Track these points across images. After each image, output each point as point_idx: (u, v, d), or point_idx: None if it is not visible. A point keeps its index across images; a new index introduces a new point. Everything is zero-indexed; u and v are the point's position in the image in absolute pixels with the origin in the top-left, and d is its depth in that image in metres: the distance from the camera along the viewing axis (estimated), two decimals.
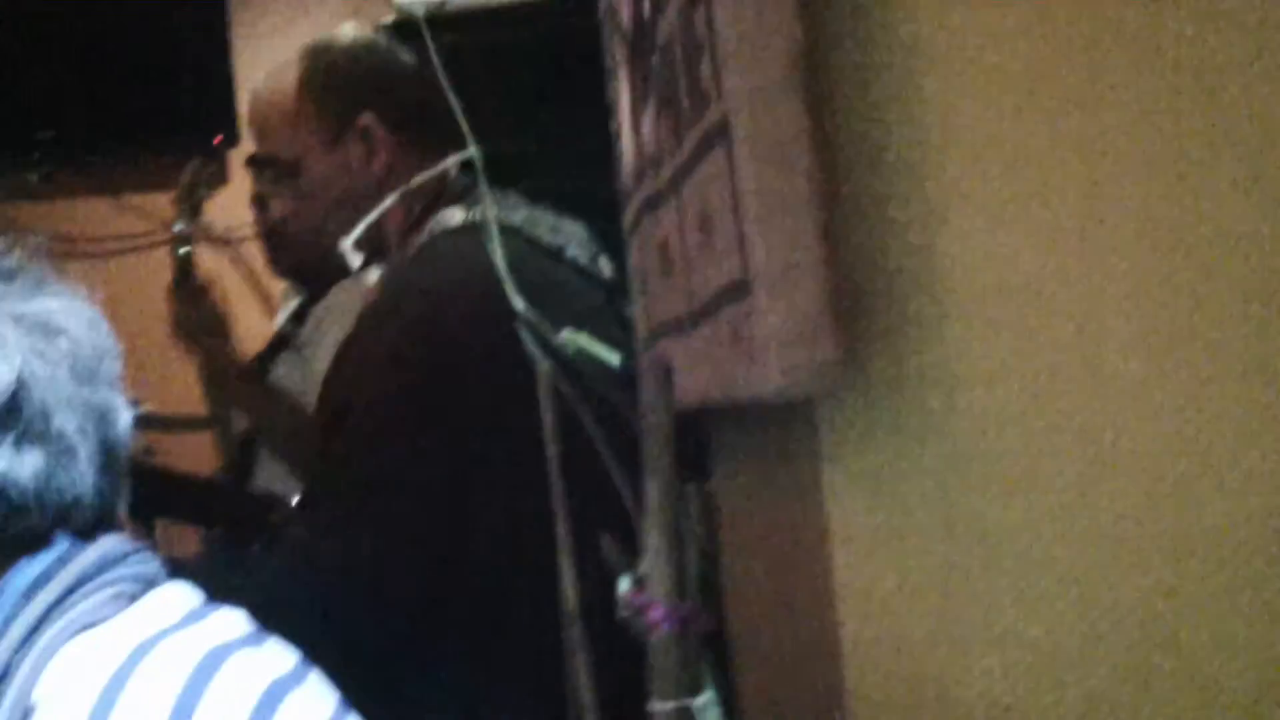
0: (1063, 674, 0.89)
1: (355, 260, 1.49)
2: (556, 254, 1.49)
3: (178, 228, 2.07)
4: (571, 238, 1.49)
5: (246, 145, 4.61)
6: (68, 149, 3.98)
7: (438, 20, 2.35)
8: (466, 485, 1.29)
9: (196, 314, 1.84)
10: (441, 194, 1.44)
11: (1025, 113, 0.93)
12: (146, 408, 2.96)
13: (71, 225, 3.80)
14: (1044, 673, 0.89)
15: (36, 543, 0.76)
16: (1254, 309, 0.90)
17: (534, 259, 1.43)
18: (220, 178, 4.76)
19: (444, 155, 1.39)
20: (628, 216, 1.33)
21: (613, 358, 0.98)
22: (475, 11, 2.56)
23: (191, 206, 2.07)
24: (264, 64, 4.66)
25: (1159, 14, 0.92)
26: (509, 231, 1.40)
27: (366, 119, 1.48)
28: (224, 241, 4.14)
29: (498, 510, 1.31)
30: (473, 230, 1.35)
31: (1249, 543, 0.89)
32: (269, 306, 3.99)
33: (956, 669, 0.90)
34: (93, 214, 4.05)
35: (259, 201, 1.71)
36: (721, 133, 0.95)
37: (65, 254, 3.69)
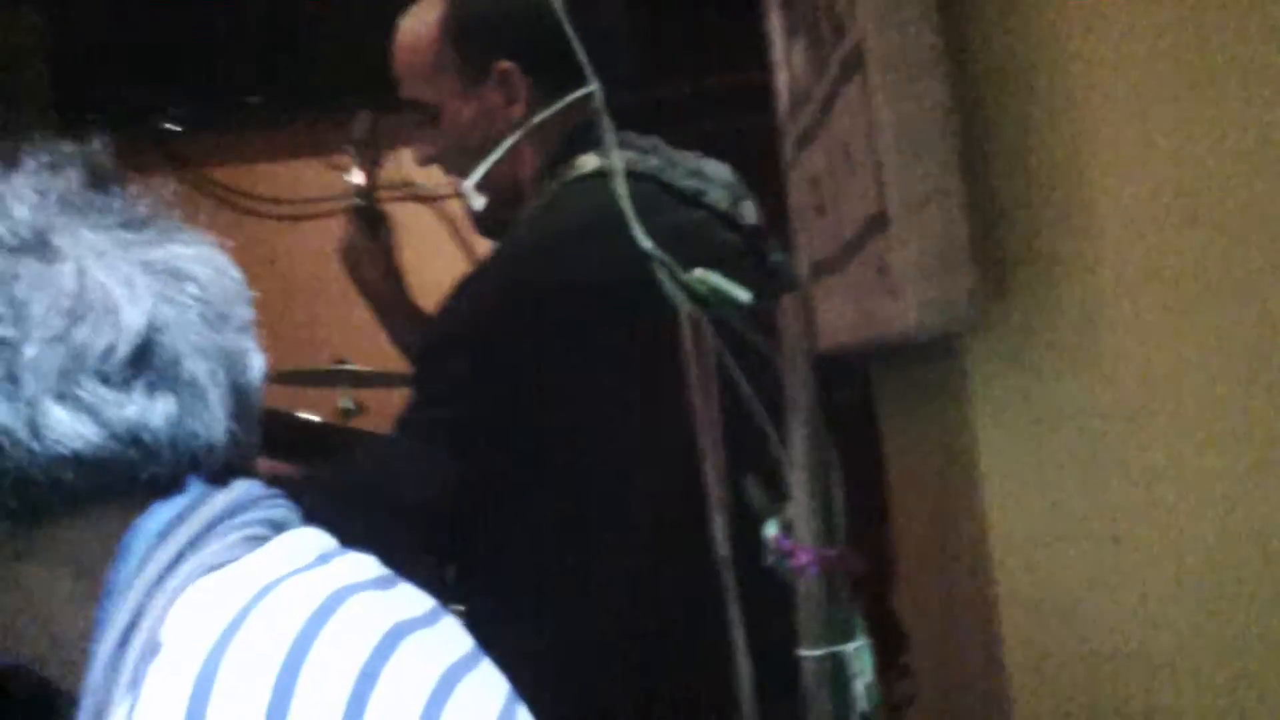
0: (1218, 627, 0.84)
1: (477, 202, 1.48)
2: (694, 199, 1.45)
3: (352, 181, 2.07)
4: (713, 182, 1.45)
5: None
6: (275, 110, 4.07)
7: None
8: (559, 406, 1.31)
9: (374, 271, 1.84)
10: (575, 139, 1.41)
11: (1183, 38, 0.88)
12: (350, 364, 3.01)
13: (282, 188, 3.88)
14: (1199, 625, 0.85)
15: (170, 487, 0.78)
16: None
17: (667, 204, 1.40)
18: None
19: (587, 102, 1.36)
20: (786, 154, 1.30)
21: (744, 295, 0.96)
22: None
23: (371, 161, 2.06)
24: None
25: None
26: (642, 177, 1.38)
27: (505, 64, 1.46)
28: (430, 198, 4.19)
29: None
30: (604, 176, 1.33)
31: None
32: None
33: (1110, 618, 0.86)
34: (302, 175, 4.14)
35: None
36: (857, 59, 0.92)
37: (282, 215, 3.77)
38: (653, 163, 1.44)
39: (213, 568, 0.77)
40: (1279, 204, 0.86)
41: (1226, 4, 0.87)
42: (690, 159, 1.49)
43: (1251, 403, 0.86)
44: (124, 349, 0.76)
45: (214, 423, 0.79)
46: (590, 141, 1.38)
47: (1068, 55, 0.89)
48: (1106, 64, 0.88)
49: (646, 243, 0.98)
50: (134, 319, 0.77)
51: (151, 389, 0.77)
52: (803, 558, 0.91)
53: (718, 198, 1.45)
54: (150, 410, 0.77)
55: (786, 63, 1.24)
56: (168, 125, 4.06)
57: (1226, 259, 0.86)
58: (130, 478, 0.77)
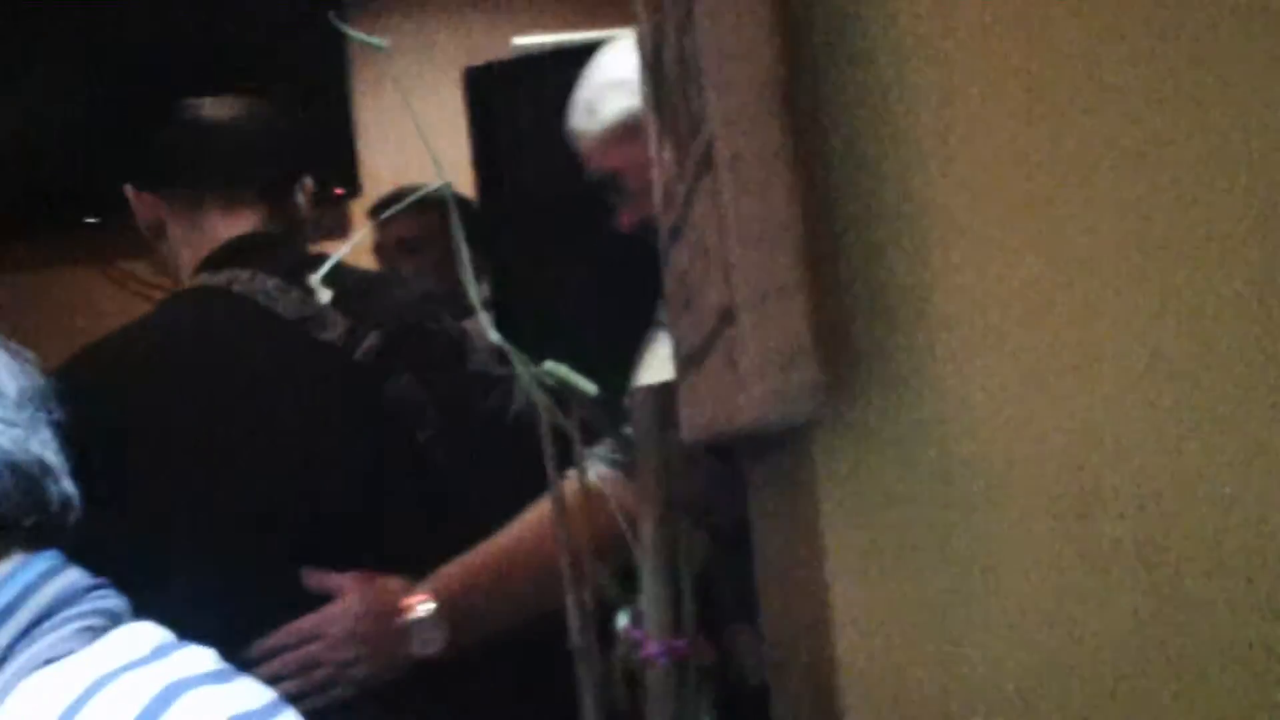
0: (1058, 699, 0.86)
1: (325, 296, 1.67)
2: (293, 323, 1.73)
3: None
4: (323, 317, 1.71)
5: (369, 197, 4.68)
6: None
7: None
8: None
9: None
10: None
11: (1020, 123, 0.90)
12: None
13: None
14: (1040, 697, 0.86)
15: None
16: (1255, 324, 0.86)
17: (249, 322, 1.73)
18: (341, 230, 4.86)
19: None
20: (662, 250, 1.32)
21: (590, 387, 0.97)
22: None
23: None
24: (384, 118, 4.75)
25: (1157, 16, 0.89)
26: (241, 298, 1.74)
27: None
28: None
29: None
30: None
31: (1247, 556, 0.85)
32: None
33: (949, 699, 0.87)
34: None
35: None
36: (709, 157, 0.94)
37: None
38: (262, 285, 1.69)
39: (49, 660, 0.76)
40: (1125, 301, 0.88)
41: (1090, 129, 0.90)
42: (304, 294, 1.73)
43: (1088, 500, 0.88)
44: None
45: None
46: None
47: (918, 142, 0.91)
48: (960, 159, 0.91)
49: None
50: None
51: None
52: (651, 648, 0.92)
53: (325, 332, 1.68)
54: None
55: (659, 161, 1.27)
56: (87, 219, 4.05)
57: (1075, 362, 0.88)
58: None
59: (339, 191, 4.64)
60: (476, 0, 5.33)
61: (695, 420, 1.06)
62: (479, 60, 3.62)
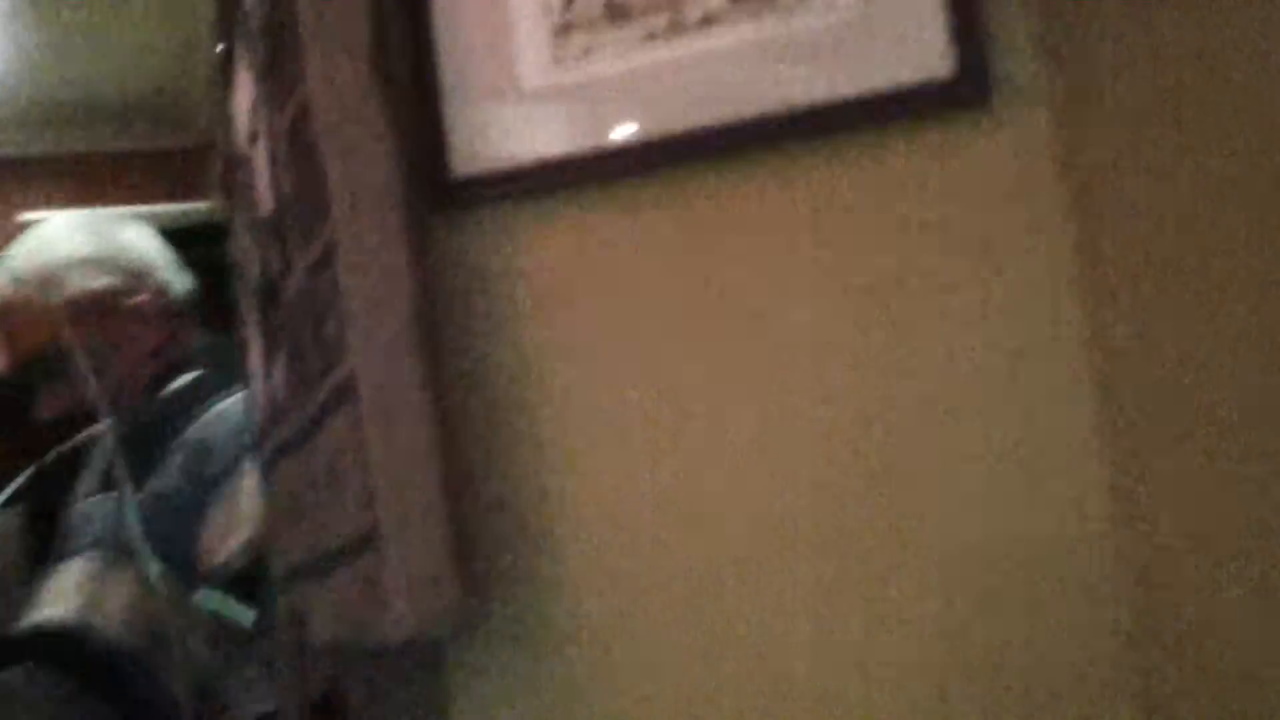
0: None
1: None
2: None
3: None
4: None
5: None
6: None
7: None
8: None
9: None
10: None
11: (624, 338, 1.02)
12: None
13: None
14: None
15: None
16: (886, 513, 1.00)
17: None
18: None
19: None
20: (262, 459, 1.36)
21: (246, 616, 1.01)
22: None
23: None
24: None
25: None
26: None
27: None
28: None
29: None
30: None
31: None
32: None
33: None
34: None
35: None
36: (348, 391, 1.00)
37: None
38: None
39: None
40: (750, 518, 1.01)
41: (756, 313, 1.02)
42: None
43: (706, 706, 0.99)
44: None
45: None
46: None
47: (539, 374, 1.01)
48: (585, 382, 1.01)
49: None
50: None
51: None
52: None
53: None
54: None
55: (264, 375, 1.32)
56: None
57: (707, 596, 1.00)
58: None
59: None
60: None
61: (323, 628, 1.11)
62: None
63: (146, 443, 1.85)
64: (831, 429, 0.99)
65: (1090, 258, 0.96)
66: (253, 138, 1.25)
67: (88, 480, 1.96)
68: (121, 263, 2.01)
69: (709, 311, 1.01)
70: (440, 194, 1.04)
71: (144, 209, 5.27)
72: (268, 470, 1.34)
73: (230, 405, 1.82)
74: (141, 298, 1.99)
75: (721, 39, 1.00)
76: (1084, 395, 0.97)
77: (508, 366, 1.02)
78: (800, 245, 0.99)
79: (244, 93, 1.27)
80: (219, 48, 1.38)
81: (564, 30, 1.03)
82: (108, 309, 1.96)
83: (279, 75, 1.12)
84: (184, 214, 5.27)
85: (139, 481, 1.81)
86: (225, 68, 1.35)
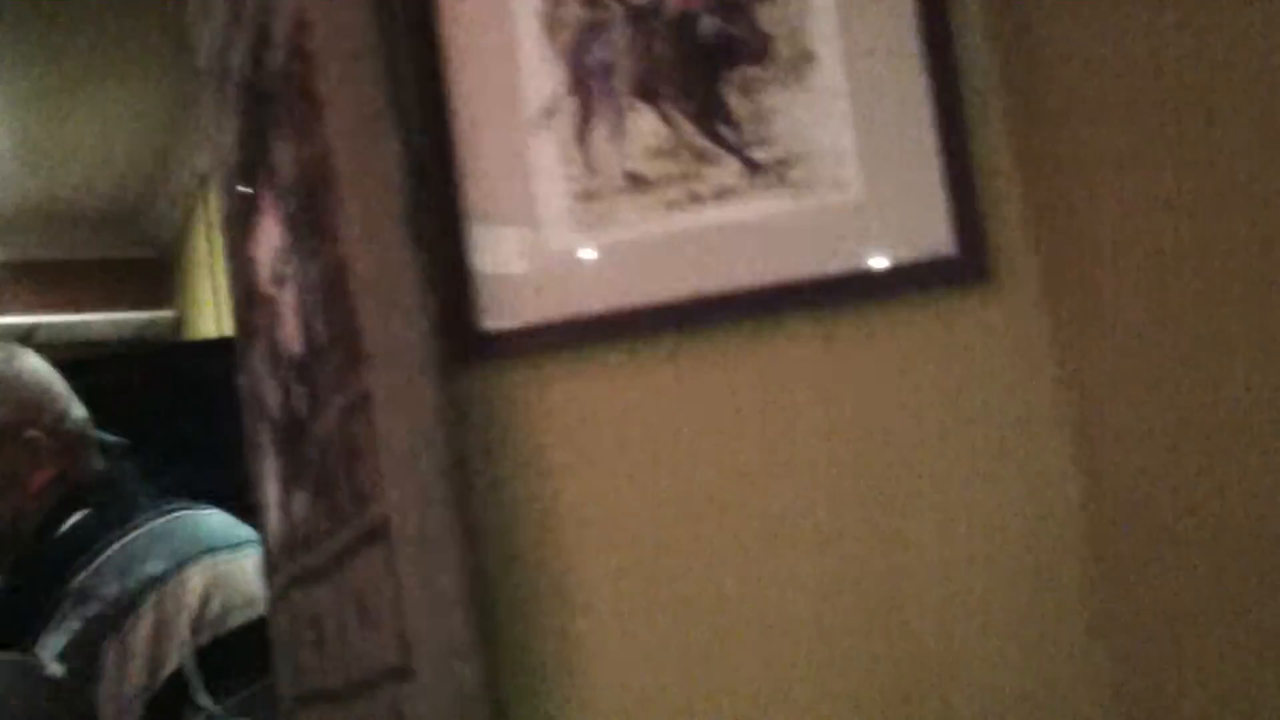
0: None
1: None
2: None
3: None
4: None
5: None
6: None
7: None
8: None
9: None
10: None
11: (641, 490, 1.10)
12: None
13: None
14: None
15: None
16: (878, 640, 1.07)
17: None
18: None
19: None
20: (275, 584, 1.42)
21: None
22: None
23: None
24: None
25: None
26: None
27: None
28: None
29: None
30: None
31: None
32: None
33: None
34: None
35: None
36: (382, 533, 1.07)
37: None
38: None
39: None
40: (744, 643, 1.07)
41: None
42: None
43: None
44: None
45: None
46: None
47: (558, 529, 1.08)
48: (601, 530, 1.08)
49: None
50: None
51: None
52: None
53: None
54: None
55: (283, 506, 1.38)
56: None
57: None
58: None
59: None
60: None
61: None
62: None
63: (33, 593, 1.75)
64: (839, 571, 1.07)
65: (1081, 414, 1.05)
66: (279, 281, 1.32)
67: None
68: (16, 393, 1.91)
69: (720, 465, 1.09)
70: (468, 347, 1.11)
71: (103, 316, 5.32)
72: (281, 595, 1.39)
73: (116, 552, 1.74)
74: (36, 432, 1.89)
75: (738, 211, 1.09)
76: (1076, 538, 1.05)
77: (530, 512, 1.09)
78: (808, 404, 1.07)
79: (269, 238, 1.34)
80: (241, 191, 1.46)
81: (586, 196, 1.11)
82: (2, 441, 1.87)
83: (312, 228, 1.19)
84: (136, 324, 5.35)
85: (31, 637, 1.71)
86: (247, 211, 1.43)
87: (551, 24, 1.14)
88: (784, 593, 1.07)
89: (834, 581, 1.07)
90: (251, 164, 1.38)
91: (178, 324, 5.46)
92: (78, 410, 1.97)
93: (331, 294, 1.15)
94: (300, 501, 1.32)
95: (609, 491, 1.10)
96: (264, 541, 1.46)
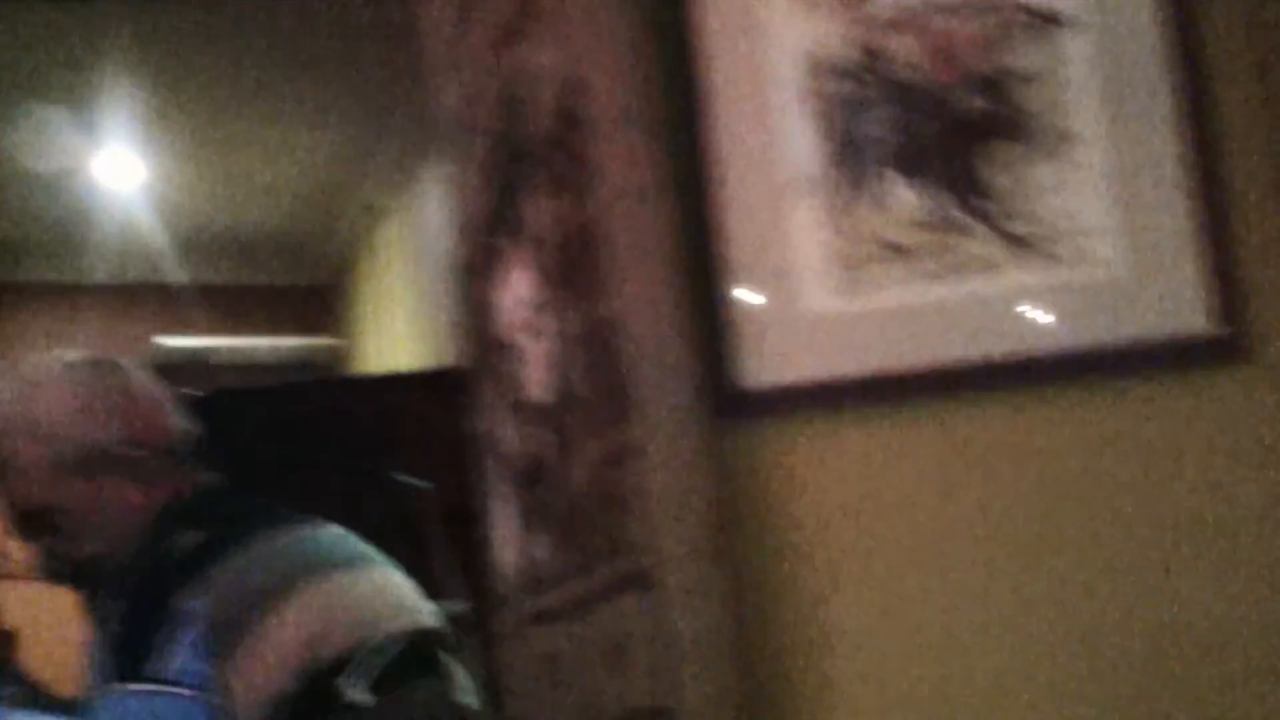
0: None
1: None
2: None
3: None
4: None
5: None
6: None
7: None
8: None
9: None
10: None
11: (892, 559, 1.14)
12: None
13: None
14: None
15: None
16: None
17: None
18: None
19: None
20: (506, 620, 1.47)
21: None
22: None
23: None
24: None
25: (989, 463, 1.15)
26: None
27: None
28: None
29: None
30: None
31: None
32: None
33: None
34: None
35: None
36: (645, 580, 1.12)
37: None
38: None
39: None
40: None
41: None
42: None
43: None
44: None
45: None
46: None
47: (816, 571, 1.12)
48: (845, 594, 1.12)
49: None
50: None
51: None
52: None
53: None
54: None
55: (520, 546, 1.43)
56: None
57: None
58: None
59: None
60: (115, 299, 5.34)
61: None
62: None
63: (140, 615, 1.68)
64: (1093, 619, 1.10)
65: None
66: (526, 330, 1.38)
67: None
68: (117, 411, 1.82)
69: (970, 525, 1.12)
70: (726, 404, 1.16)
71: (267, 341, 5.48)
72: (515, 631, 1.45)
73: (225, 573, 1.65)
74: (143, 450, 1.81)
75: (994, 283, 1.12)
76: None
77: (782, 562, 1.13)
78: (1059, 471, 1.11)
79: (515, 288, 1.41)
80: (480, 241, 1.52)
81: (845, 263, 1.15)
82: (101, 461, 1.79)
83: (573, 284, 1.25)
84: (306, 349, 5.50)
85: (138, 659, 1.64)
86: (488, 259, 1.49)
87: (812, 97, 1.18)
88: (1038, 645, 1.10)
89: (1093, 637, 1.10)
90: (498, 215, 1.45)
91: (338, 352, 5.60)
92: (189, 426, 1.89)
93: (595, 348, 1.20)
94: (542, 544, 1.37)
95: (857, 546, 1.14)
96: (492, 577, 1.51)
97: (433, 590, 1.67)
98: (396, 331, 5.02)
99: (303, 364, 5.44)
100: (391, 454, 3.19)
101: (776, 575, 1.13)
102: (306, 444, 3.26)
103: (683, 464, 1.11)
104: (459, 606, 1.51)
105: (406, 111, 4.35)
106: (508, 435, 1.46)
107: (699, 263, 1.17)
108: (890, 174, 1.16)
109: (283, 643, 1.56)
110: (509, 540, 1.47)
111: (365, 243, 5.32)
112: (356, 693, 1.49)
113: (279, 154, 4.75)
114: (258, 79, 4.28)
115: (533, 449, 1.38)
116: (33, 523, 1.80)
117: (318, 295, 5.59)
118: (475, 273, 1.55)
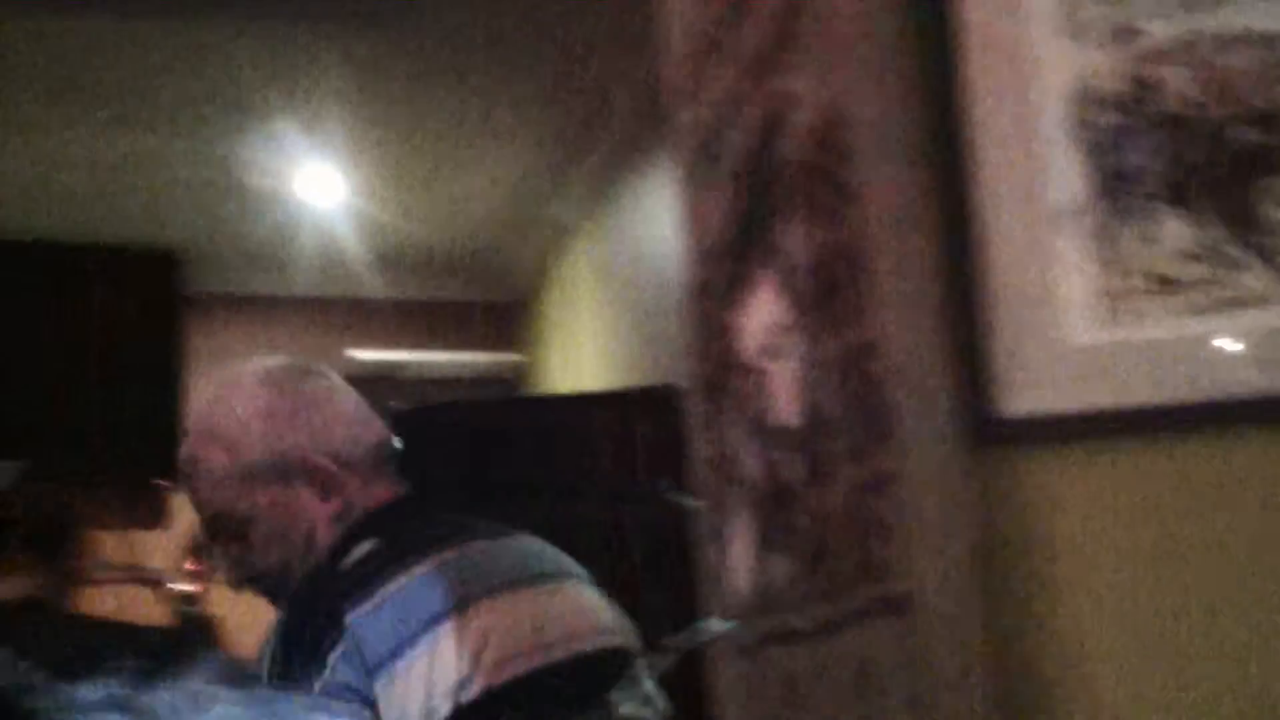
0: None
1: None
2: None
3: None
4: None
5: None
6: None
7: None
8: None
9: None
10: None
11: (1152, 581, 1.12)
12: None
13: None
14: None
15: None
16: None
17: None
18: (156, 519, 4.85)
19: None
20: (746, 635, 1.48)
21: None
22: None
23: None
24: None
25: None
26: None
27: None
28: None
29: None
30: None
31: None
32: None
33: None
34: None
35: None
36: (901, 605, 1.12)
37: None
38: None
39: None
40: None
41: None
42: None
43: None
44: None
45: None
46: None
47: (1070, 606, 1.12)
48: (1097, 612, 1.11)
49: None
50: None
51: None
52: None
53: None
54: None
55: (755, 568, 1.45)
56: None
57: None
58: None
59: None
60: (311, 312, 5.49)
61: None
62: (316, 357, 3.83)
63: (307, 628, 1.66)
64: None
65: None
66: (772, 353, 1.40)
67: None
68: (302, 420, 1.82)
69: (1244, 564, 1.11)
70: (986, 431, 1.16)
71: (453, 356, 5.58)
72: (748, 651, 1.46)
73: (396, 589, 1.61)
74: (324, 459, 1.79)
75: (1266, 318, 1.11)
76: None
77: (1040, 593, 1.13)
78: None
79: (762, 312, 1.42)
80: (723, 265, 1.54)
81: (1111, 294, 1.15)
82: (288, 470, 1.79)
83: (829, 309, 1.26)
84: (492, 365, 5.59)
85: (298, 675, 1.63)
86: (732, 283, 1.51)
87: (1078, 128, 1.18)
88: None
89: None
90: (746, 240, 1.46)
91: (523, 369, 5.68)
92: (384, 438, 1.87)
93: (851, 373, 1.21)
94: (781, 565, 1.38)
95: (1116, 579, 1.13)
96: (722, 598, 1.53)
97: (692, 609, 1.65)
98: (582, 350, 5.08)
99: (489, 379, 5.54)
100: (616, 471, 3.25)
101: (1033, 605, 1.13)
102: (513, 459, 3.32)
103: (943, 490, 1.11)
104: (728, 624, 1.45)
105: (606, 131, 4.42)
106: (746, 457, 1.48)
107: (960, 290, 1.17)
108: (1159, 206, 1.15)
109: (435, 665, 1.53)
110: (740, 561, 1.48)
111: (554, 261, 5.39)
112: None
113: (473, 172, 4.84)
114: (455, 98, 4.37)
115: (777, 472, 1.40)
116: (219, 528, 1.81)
117: (506, 312, 5.68)
118: (713, 296, 1.57)
